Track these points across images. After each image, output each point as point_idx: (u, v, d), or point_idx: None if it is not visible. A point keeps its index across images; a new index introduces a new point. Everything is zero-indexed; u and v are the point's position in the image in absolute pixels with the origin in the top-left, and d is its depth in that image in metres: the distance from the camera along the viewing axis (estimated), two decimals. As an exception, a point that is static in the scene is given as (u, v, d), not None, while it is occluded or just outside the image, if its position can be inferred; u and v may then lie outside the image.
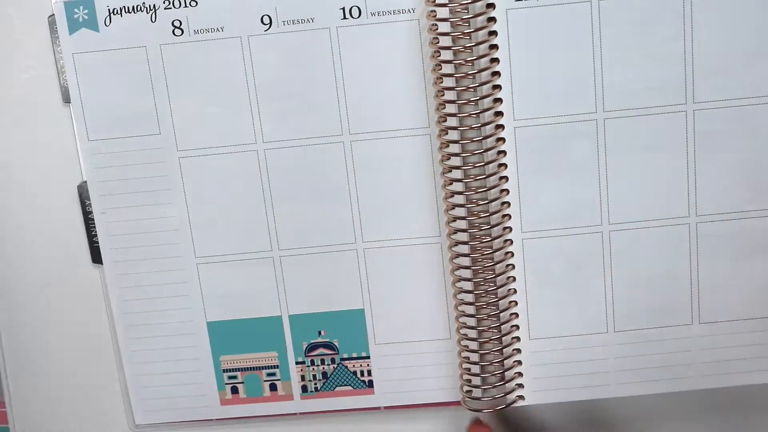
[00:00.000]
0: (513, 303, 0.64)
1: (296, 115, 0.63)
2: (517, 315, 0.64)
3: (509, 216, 0.62)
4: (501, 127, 0.61)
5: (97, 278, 0.67)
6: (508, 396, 0.65)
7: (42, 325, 0.68)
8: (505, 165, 0.61)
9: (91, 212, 0.64)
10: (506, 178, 0.61)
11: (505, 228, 0.63)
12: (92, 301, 0.68)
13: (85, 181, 0.64)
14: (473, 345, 0.65)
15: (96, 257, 0.65)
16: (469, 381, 0.65)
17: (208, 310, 0.66)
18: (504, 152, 0.61)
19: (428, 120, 0.62)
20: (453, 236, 0.63)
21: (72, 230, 0.67)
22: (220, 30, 0.61)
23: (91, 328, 0.68)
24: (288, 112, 0.63)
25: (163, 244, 0.65)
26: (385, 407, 0.69)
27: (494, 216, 0.63)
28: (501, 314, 0.64)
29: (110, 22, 0.61)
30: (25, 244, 0.67)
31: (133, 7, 0.60)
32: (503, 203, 0.63)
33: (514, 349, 0.66)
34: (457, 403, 0.67)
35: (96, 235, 0.65)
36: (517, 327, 0.64)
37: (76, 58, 0.61)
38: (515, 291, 0.64)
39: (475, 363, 0.65)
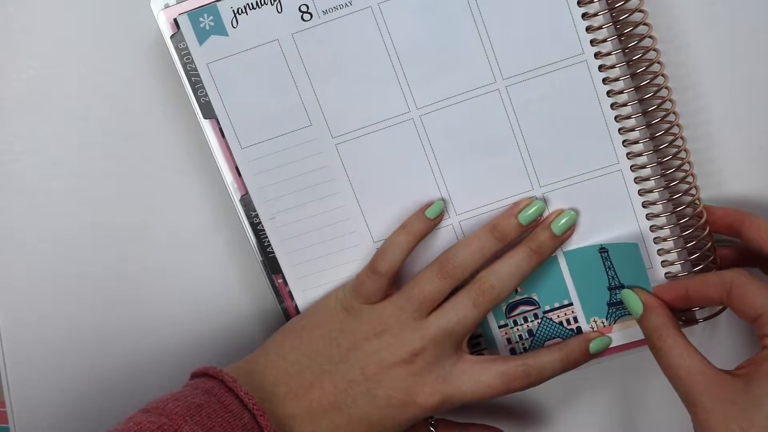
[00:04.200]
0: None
1: (444, 74, 0.61)
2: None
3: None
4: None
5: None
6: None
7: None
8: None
9: (258, 222, 0.61)
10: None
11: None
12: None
13: (247, 193, 0.60)
14: (677, 268, 0.62)
15: (274, 267, 0.62)
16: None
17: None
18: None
19: (581, 46, 0.58)
20: (633, 159, 0.60)
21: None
22: (349, 4, 0.58)
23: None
24: (435, 72, 0.61)
25: (339, 237, 0.63)
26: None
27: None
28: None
29: (237, 23, 0.58)
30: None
31: (257, 1, 0.58)
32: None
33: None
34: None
35: (269, 245, 0.61)
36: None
37: (212, 68, 0.59)
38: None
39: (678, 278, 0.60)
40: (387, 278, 0.57)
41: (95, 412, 0.68)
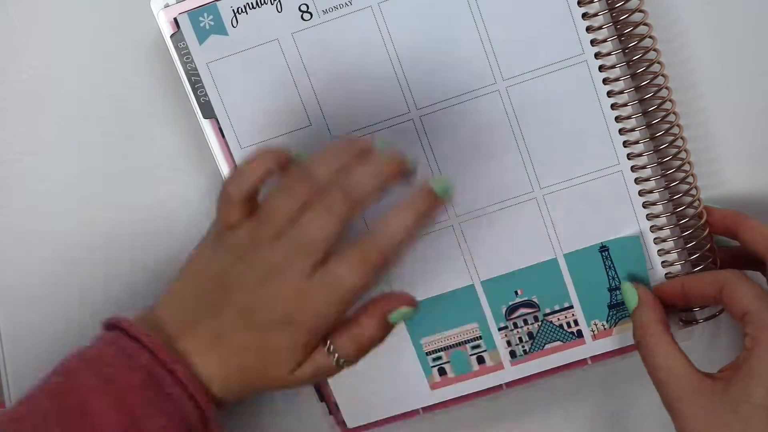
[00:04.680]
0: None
1: (444, 75, 0.61)
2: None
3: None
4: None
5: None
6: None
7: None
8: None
9: (258, 223, 0.61)
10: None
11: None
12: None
13: (247, 192, 0.60)
14: (677, 268, 0.62)
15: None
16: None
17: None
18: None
19: (581, 46, 0.57)
20: (634, 160, 0.60)
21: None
22: (349, 4, 0.58)
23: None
24: (435, 73, 0.60)
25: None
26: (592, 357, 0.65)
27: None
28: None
29: (237, 22, 0.58)
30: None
31: (257, 1, 0.58)
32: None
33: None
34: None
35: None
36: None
37: (212, 68, 0.59)
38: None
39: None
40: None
41: None
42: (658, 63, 0.58)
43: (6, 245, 0.66)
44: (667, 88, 0.58)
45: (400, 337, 0.63)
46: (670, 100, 0.58)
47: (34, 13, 0.62)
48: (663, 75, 0.58)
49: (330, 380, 0.64)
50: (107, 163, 0.65)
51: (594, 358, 0.64)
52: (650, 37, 0.58)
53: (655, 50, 0.58)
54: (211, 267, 0.55)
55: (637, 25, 0.57)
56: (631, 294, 0.59)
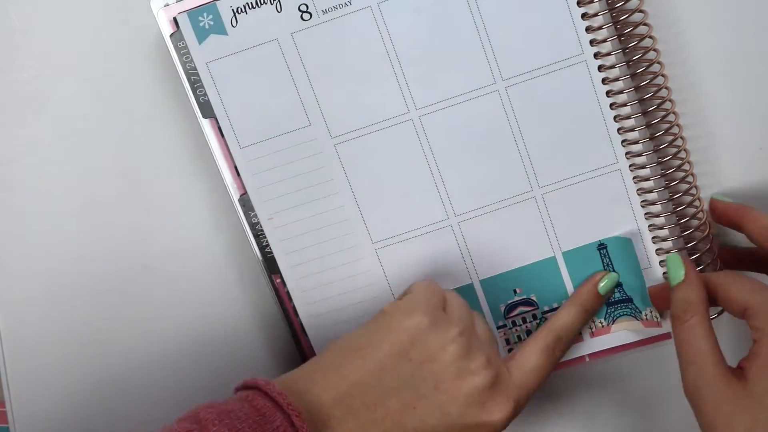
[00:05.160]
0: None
1: (443, 74, 0.61)
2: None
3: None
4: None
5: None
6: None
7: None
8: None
9: (257, 222, 0.61)
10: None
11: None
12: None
13: (245, 193, 0.60)
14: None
15: (272, 267, 0.61)
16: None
17: (397, 294, 0.63)
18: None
19: (580, 46, 0.58)
20: (632, 159, 0.61)
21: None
22: (348, 4, 0.58)
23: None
24: (434, 72, 0.61)
25: (337, 237, 0.63)
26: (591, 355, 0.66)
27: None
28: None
29: (237, 22, 0.58)
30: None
31: (257, 1, 0.58)
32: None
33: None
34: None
35: (267, 245, 0.61)
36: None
37: (211, 67, 0.59)
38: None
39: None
40: None
41: (95, 412, 0.67)
42: (658, 63, 0.58)
43: (6, 245, 0.66)
44: (666, 88, 0.58)
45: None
46: (670, 100, 0.59)
47: (34, 13, 0.62)
48: (663, 75, 0.58)
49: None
50: (107, 163, 0.64)
51: (592, 355, 0.64)
52: (650, 37, 0.58)
53: (655, 50, 0.58)
54: (410, 352, 0.56)
55: (637, 25, 0.57)
56: (677, 266, 0.58)
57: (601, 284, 0.61)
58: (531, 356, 0.58)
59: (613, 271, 0.61)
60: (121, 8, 0.63)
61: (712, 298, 0.56)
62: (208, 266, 0.64)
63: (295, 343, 0.63)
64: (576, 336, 0.61)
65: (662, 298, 0.60)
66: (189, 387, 0.67)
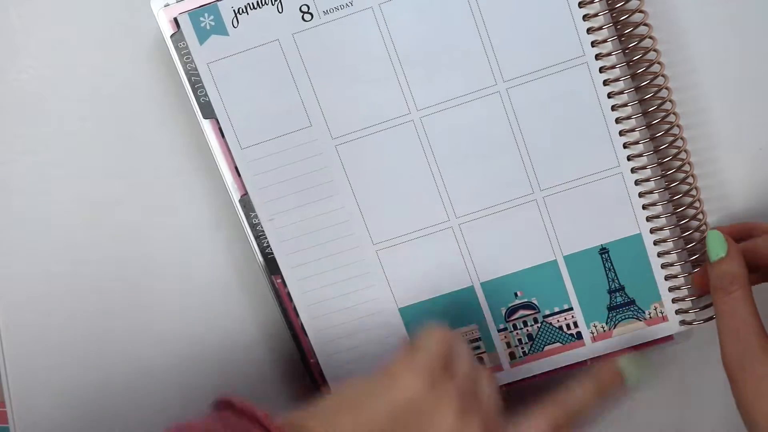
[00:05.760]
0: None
1: (445, 76, 0.61)
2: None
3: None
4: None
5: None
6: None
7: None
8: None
9: (258, 223, 0.61)
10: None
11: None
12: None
13: (246, 194, 0.60)
14: (677, 269, 0.62)
15: (273, 268, 0.61)
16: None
17: (397, 296, 0.63)
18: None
19: (581, 47, 0.58)
20: (634, 161, 0.60)
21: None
22: (350, 5, 0.58)
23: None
24: (436, 74, 0.61)
25: (338, 238, 0.63)
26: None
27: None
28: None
29: (238, 23, 0.58)
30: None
31: (258, 1, 0.58)
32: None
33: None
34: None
35: (268, 246, 0.61)
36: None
37: (212, 68, 0.59)
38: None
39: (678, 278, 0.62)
40: None
41: (95, 412, 0.67)
42: (659, 63, 0.58)
43: (6, 245, 0.66)
44: (667, 88, 0.58)
45: (398, 337, 0.62)
46: (671, 101, 0.59)
47: (34, 13, 0.62)
48: (663, 75, 0.58)
49: (324, 369, 0.65)
50: (107, 163, 0.64)
51: (594, 359, 0.63)
52: (650, 37, 0.58)
53: (655, 50, 0.58)
54: (406, 416, 0.53)
55: (637, 25, 0.57)
56: (720, 243, 0.58)
57: (627, 374, 0.59)
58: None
59: (616, 277, 0.61)
60: (121, 8, 0.63)
61: (754, 266, 0.56)
62: (208, 267, 0.64)
63: (295, 344, 0.63)
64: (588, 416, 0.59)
65: (705, 283, 0.59)
66: (189, 387, 0.67)
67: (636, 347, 0.63)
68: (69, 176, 0.65)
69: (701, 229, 0.60)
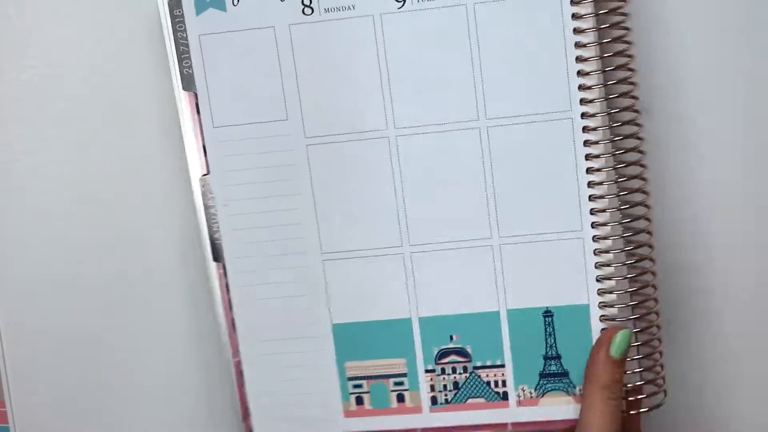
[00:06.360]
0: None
1: (429, 99, 0.60)
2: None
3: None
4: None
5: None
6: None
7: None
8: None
9: (212, 206, 0.60)
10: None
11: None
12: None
13: (208, 173, 0.59)
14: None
15: (216, 255, 0.60)
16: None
17: (334, 311, 0.61)
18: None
19: (569, 102, 0.57)
20: (598, 229, 0.59)
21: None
22: (352, 8, 0.58)
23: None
24: (420, 95, 0.60)
25: (287, 239, 0.61)
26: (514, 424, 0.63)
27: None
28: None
29: (238, 1, 0.58)
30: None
31: (262, -16, 0.58)
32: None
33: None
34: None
35: (218, 231, 0.60)
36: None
37: (203, 40, 0.59)
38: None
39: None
40: None
41: (95, 412, 0.68)
42: (638, 138, 0.58)
43: (6, 245, 0.66)
44: (642, 166, 0.58)
45: (326, 353, 0.61)
46: (644, 179, 0.58)
47: (34, 13, 0.64)
48: (640, 151, 0.57)
49: (247, 383, 0.64)
50: (107, 163, 0.65)
51: (515, 425, 0.61)
52: (635, 107, 0.57)
53: (637, 124, 0.58)
54: None
55: (628, 93, 0.57)
56: (627, 345, 0.59)
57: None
58: None
59: (554, 344, 0.59)
60: (121, 9, 0.64)
61: None
62: (207, 267, 0.63)
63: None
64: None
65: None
66: (189, 387, 0.68)
67: (562, 422, 0.60)
68: (69, 176, 0.65)
69: (653, 312, 0.58)
